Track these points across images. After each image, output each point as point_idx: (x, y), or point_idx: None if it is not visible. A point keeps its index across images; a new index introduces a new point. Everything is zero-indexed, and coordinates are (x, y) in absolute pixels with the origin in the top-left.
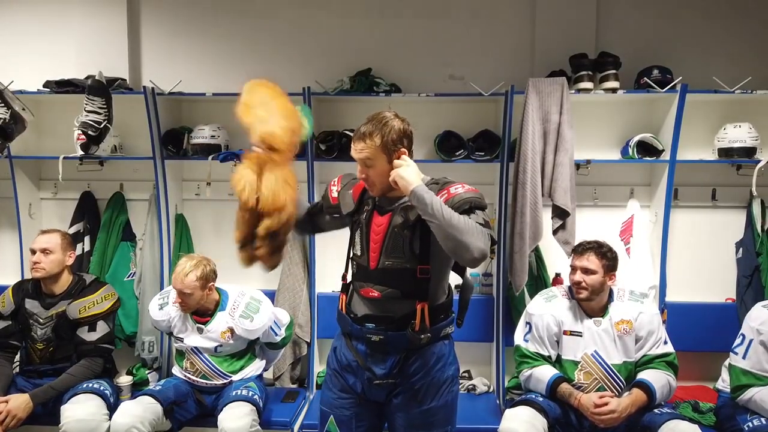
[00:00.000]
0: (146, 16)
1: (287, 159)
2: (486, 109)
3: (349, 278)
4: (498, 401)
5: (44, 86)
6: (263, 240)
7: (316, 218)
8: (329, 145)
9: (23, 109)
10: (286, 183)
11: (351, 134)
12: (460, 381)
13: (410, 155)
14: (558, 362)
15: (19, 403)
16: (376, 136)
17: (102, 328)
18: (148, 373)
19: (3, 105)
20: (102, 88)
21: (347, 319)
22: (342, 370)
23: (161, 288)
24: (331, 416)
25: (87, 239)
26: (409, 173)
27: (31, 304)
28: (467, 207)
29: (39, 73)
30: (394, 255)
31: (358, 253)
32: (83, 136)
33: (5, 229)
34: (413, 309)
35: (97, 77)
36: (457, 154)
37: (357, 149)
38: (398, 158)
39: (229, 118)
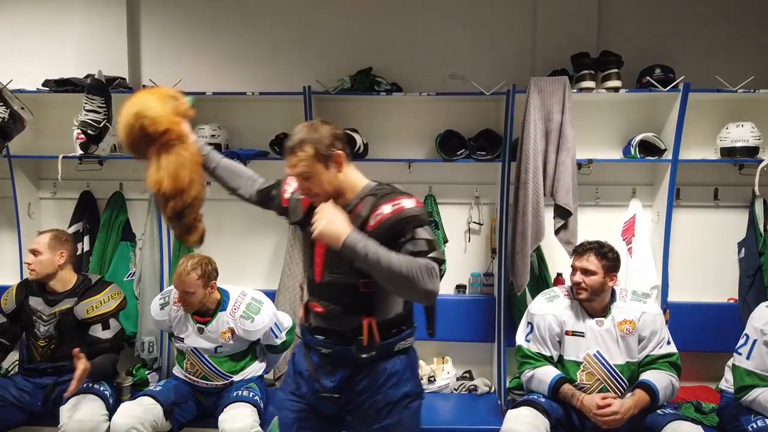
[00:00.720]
0: (146, 15)
1: (178, 140)
2: (487, 108)
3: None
4: (499, 402)
5: (43, 85)
6: (171, 221)
7: (266, 202)
8: None
9: (22, 108)
10: (183, 164)
11: (352, 134)
12: (461, 381)
13: (347, 156)
14: (560, 362)
15: (85, 367)
16: (307, 146)
17: (114, 325)
18: (148, 374)
19: (2, 104)
20: (101, 87)
21: (305, 329)
22: (296, 375)
23: (161, 288)
24: (276, 417)
25: (86, 239)
26: (331, 227)
27: (35, 301)
28: (409, 227)
29: (38, 72)
30: (336, 270)
31: (307, 265)
32: (83, 136)
33: (4, 229)
34: (361, 323)
35: (96, 76)
36: (459, 153)
37: (290, 165)
38: (337, 163)
39: (229, 118)
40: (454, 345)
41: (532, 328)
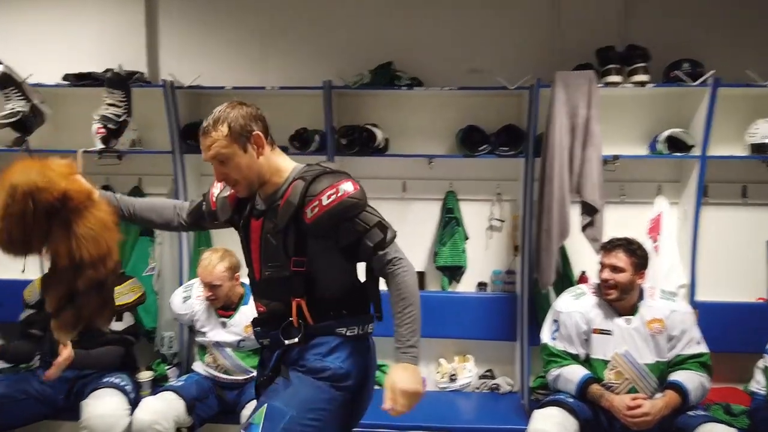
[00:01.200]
0: (164, 9)
1: (87, 199)
2: (510, 103)
3: None
4: (522, 401)
5: (63, 79)
6: (85, 296)
7: (201, 220)
8: (350, 139)
9: (42, 103)
10: (104, 226)
11: (372, 129)
12: (483, 380)
13: (267, 138)
14: (587, 361)
15: (69, 354)
16: (222, 125)
17: (128, 319)
18: (168, 369)
19: (22, 98)
20: (121, 82)
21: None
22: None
23: (180, 283)
24: None
25: None
26: (407, 386)
27: None
28: (352, 215)
29: (58, 67)
30: (272, 263)
31: (247, 265)
32: (103, 130)
33: None
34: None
35: (116, 70)
36: (480, 149)
37: (205, 147)
38: (256, 144)
39: None
40: (475, 343)
41: (558, 326)
